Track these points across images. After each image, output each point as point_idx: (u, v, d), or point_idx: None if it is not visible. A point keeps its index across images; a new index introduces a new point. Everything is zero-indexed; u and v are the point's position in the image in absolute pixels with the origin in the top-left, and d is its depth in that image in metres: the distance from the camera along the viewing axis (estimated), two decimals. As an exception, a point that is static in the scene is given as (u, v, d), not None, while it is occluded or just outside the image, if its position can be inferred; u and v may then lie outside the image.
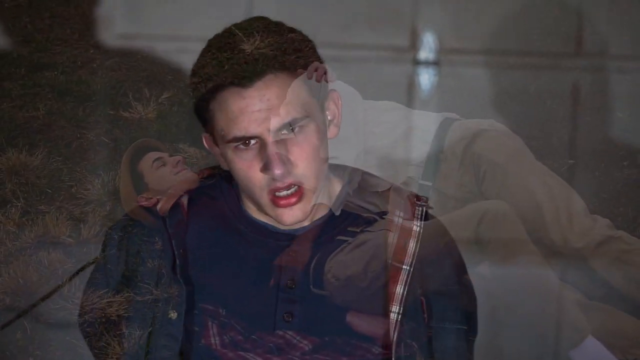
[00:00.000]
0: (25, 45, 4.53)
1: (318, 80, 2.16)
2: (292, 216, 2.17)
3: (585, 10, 4.32)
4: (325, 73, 2.18)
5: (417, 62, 3.85)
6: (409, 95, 3.66)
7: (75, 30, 4.65)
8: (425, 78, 3.67)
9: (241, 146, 2.13)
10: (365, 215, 2.28)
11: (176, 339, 2.18)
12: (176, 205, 2.27)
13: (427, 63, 3.74)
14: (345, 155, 3.47)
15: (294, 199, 2.15)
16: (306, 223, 2.24)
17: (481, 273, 3.34)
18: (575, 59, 4.16)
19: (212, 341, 2.17)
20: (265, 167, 2.12)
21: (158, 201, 2.31)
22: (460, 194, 3.61)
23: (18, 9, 4.73)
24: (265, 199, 2.16)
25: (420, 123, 3.70)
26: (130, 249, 2.27)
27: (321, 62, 2.20)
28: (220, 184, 2.30)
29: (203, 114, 2.18)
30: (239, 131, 2.11)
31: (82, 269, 2.86)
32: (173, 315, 2.19)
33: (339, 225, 2.27)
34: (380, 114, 3.71)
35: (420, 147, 3.64)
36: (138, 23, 4.33)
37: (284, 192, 2.14)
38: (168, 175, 3.58)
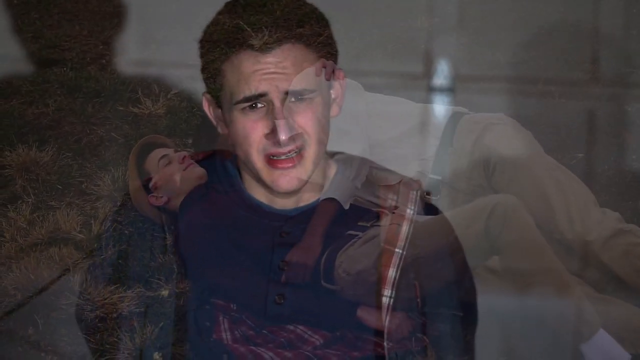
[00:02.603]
0: (34, 41, 4.53)
1: (327, 79, 2.18)
2: (288, 182, 2.18)
3: (601, 38, 4.32)
4: (333, 71, 2.19)
5: (431, 89, 3.85)
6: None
7: (84, 27, 4.65)
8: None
9: (248, 108, 2.15)
10: (375, 209, 2.29)
11: (169, 317, 2.19)
12: None
13: (441, 90, 3.74)
14: (350, 149, 3.47)
15: (291, 163, 2.17)
16: (300, 204, 2.25)
17: (490, 267, 3.35)
18: (591, 87, 4.16)
19: (224, 336, 2.18)
20: (271, 132, 2.13)
21: (169, 199, 2.33)
22: (470, 187, 3.60)
23: (27, 5, 4.73)
24: (261, 163, 2.17)
25: (429, 117, 3.70)
26: (142, 246, 2.29)
27: (330, 55, 2.22)
28: (217, 162, 2.32)
29: (211, 74, 2.19)
30: (249, 90, 2.13)
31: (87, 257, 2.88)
32: (164, 292, 2.20)
33: (348, 220, 2.28)
34: (387, 108, 3.70)
35: (430, 141, 3.64)
36: (152, 49, 4.34)
37: (283, 156, 2.16)
38: (176, 173, 3.58)
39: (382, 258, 2.19)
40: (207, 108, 2.26)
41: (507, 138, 3.62)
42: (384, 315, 2.16)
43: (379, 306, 2.16)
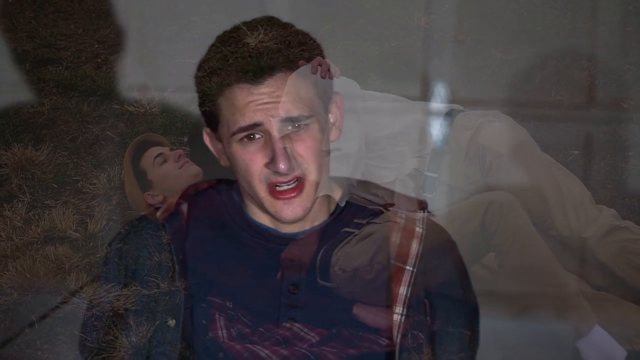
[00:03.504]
0: (29, 40, 4.53)
1: (323, 76, 2.17)
2: (292, 211, 2.18)
3: (598, 61, 4.34)
4: (329, 69, 2.19)
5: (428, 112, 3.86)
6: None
7: (79, 26, 4.65)
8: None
9: (245, 139, 2.15)
10: (371, 207, 2.29)
11: (174, 346, 2.18)
12: (176, 212, 2.27)
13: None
14: (347, 146, 3.47)
15: (293, 193, 2.16)
16: (307, 227, 2.25)
17: (487, 265, 3.35)
18: (588, 110, 4.17)
19: (220, 334, 2.18)
20: (271, 162, 2.13)
21: (164, 198, 2.33)
22: (466, 185, 3.60)
23: (22, 4, 4.73)
24: (264, 193, 2.17)
25: (425, 115, 3.70)
26: (138, 244, 2.28)
27: (324, 57, 2.22)
28: (220, 190, 2.31)
29: (208, 109, 2.19)
30: (244, 121, 2.13)
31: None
32: (171, 322, 2.19)
33: (344, 218, 2.27)
34: (383, 105, 3.70)
35: (425, 139, 3.64)
36: (151, 74, 4.35)
37: (285, 187, 2.16)
38: (172, 171, 3.58)
39: (392, 275, 2.19)
40: (208, 142, 2.27)
41: (503, 135, 3.62)
42: (396, 332, 2.16)
43: (389, 324, 2.17)
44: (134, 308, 2.21)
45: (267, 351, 2.16)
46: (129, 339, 2.19)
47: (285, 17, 2.22)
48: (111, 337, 2.21)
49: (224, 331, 2.19)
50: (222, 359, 2.17)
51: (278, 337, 2.18)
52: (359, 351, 2.18)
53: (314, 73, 2.17)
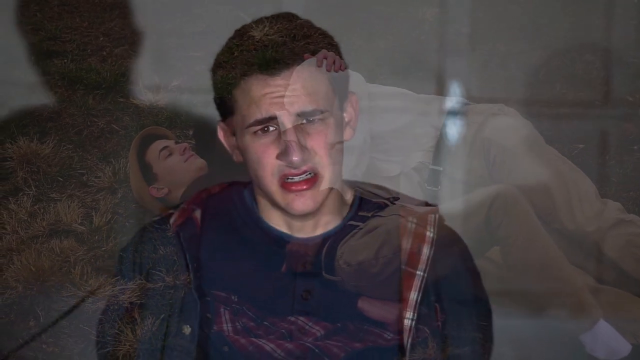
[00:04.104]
0: (34, 33, 4.53)
1: (328, 69, 2.17)
2: (303, 204, 2.17)
3: (612, 59, 4.33)
4: (334, 62, 2.19)
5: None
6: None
7: (84, 19, 4.65)
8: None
9: (260, 132, 2.15)
10: (376, 200, 2.29)
11: (190, 354, 2.18)
12: (189, 220, 2.27)
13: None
14: (351, 140, 3.47)
15: (305, 186, 2.16)
16: (319, 232, 2.25)
17: (492, 259, 3.35)
18: (602, 108, 4.16)
19: (225, 327, 2.18)
20: (283, 154, 2.13)
21: (170, 191, 2.33)
22: (471, 178, 3.60)
23: (27, -3, 4.73)
24: (275, 186, 2.17)
25: (430, 108, 3.70)
26: (144, 238, 2.28)
27: (332, 48, 2.21)
28: (233, 194, 2.31)
29: (223, 102, 2.20)
30: (260, 114, 2.13)
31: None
32: (187, 330, 2.19)
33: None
34: (388, 99, 3.70)
35: (430, 132, 3.64)
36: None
37: (297, 178, 2.16)
38: (177, 164, 3.58)
39: (402, 281, 2.19)
40: (222, 136, 2.27)
41: (508, 128, 3.62)
42: (406, 337, 2.16)
43: (400, 329, 2.17)
44: (138, 302, 2.21)
45: (272, 345, 2.16)
46: (134, 332, 2.20)
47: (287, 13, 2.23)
48: (116, 331, 2.21)
49: (229, 325, 2.19)
50: (227, 352, 2.17)
51: (283, 330, 2.18)
52: (364, 345, 2.18)
53: (319, 66, 2.17)
